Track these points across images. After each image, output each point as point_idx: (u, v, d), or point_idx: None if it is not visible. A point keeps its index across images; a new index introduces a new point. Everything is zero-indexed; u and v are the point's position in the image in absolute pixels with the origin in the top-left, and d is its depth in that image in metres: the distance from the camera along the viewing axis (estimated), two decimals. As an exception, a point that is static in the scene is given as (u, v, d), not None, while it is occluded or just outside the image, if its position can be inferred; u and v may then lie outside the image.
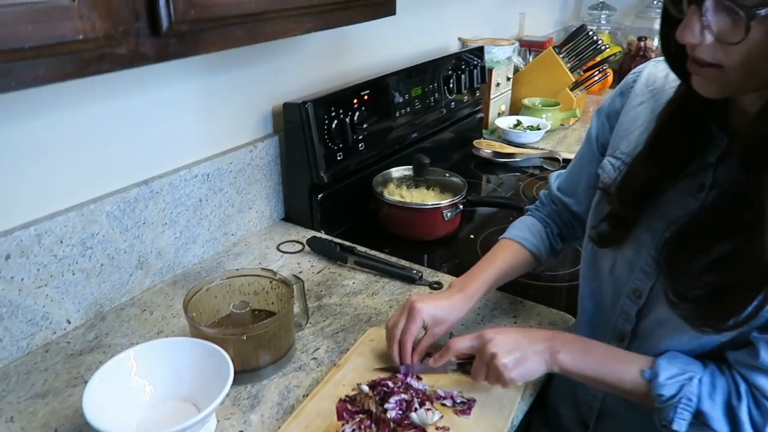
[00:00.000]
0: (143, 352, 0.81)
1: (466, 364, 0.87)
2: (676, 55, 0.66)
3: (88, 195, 0.98)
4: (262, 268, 0.98)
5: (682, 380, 0.70)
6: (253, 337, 0.86)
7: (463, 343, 0.82)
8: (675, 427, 0.70)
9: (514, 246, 0.98)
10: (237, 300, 0.93)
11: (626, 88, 0.87)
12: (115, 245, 1.02)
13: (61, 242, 0.94)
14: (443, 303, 0.89)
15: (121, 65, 0.59)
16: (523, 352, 0.77)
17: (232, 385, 0.82)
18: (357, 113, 1.32)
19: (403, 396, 0.82)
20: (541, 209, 1.04)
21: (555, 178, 1.04)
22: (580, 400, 0.92)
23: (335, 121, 1.27)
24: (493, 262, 0.96)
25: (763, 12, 0.52)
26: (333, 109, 1.27)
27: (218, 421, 0.81)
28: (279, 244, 1.27)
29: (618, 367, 0.75)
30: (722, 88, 0.61)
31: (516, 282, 1.16)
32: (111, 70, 0.59)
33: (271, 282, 0.97)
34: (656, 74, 0.82)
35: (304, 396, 0.86)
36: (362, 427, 0.77)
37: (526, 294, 1.11)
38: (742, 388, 0.68)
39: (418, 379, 0.87)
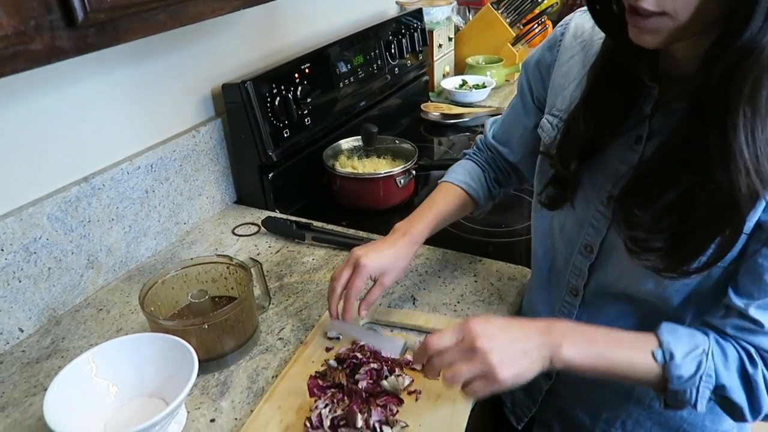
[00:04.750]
0: (102, 352, 0.79)
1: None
2: (601, 7, 0.66)
3: (25, 198, 0.94)
4: (218, 255, 0.97)
5: (698, 356, 0.65)
6: (215, 324, 0.85)
7: (443, 341, 0.68)
8: (699, 408, 0.66)
9: (454, 189, 0.98)
10: (195, 289, 0.92)
11: (554, 41, 0.85)
12: (60, 247, 0.98)
13: (2, 250, 0.90)
14: (388, 252, 0.88)
15: (38, 62, 0.56)
16: (522, 347, 0.66)
17: (199, 374, 0.81)
18: (300, 88, 1.30)
19: (373, 365, 0.82)
20: (479, 154, 1.03)
21: (491, 125, 1.03)
22: None
23: (278, 98, 1.25)
24: (434, 205, 0.96)
25: None
26: (274, 85, 1.24)
27: (188, 412, 0.81)
28: (234, 228, 1.25)
29: (625, 352, 0.68)
30: (667, 37, 0.58)
31: (475, 241, 1.18)
32: (28, 68, 0.56)
33: (228, 267, 0.96)
34: (583, 25, 0.81)
35: (273, 377, 0.86)
36: (335, 401, 0.78)
37: (486, 252, 1.13)
38: (753, 352, 0.66)
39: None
